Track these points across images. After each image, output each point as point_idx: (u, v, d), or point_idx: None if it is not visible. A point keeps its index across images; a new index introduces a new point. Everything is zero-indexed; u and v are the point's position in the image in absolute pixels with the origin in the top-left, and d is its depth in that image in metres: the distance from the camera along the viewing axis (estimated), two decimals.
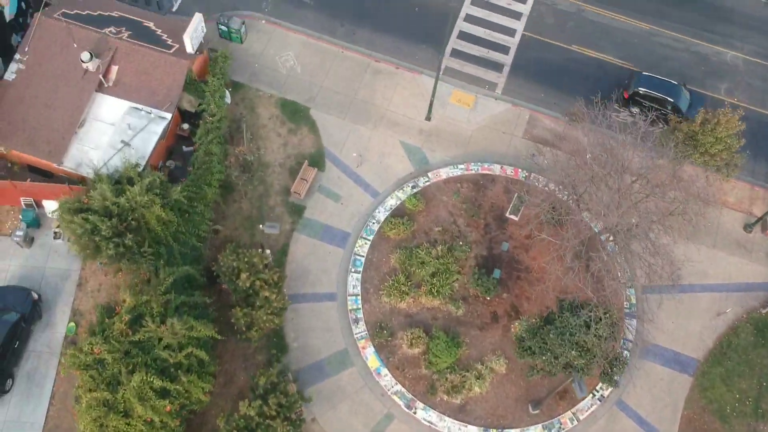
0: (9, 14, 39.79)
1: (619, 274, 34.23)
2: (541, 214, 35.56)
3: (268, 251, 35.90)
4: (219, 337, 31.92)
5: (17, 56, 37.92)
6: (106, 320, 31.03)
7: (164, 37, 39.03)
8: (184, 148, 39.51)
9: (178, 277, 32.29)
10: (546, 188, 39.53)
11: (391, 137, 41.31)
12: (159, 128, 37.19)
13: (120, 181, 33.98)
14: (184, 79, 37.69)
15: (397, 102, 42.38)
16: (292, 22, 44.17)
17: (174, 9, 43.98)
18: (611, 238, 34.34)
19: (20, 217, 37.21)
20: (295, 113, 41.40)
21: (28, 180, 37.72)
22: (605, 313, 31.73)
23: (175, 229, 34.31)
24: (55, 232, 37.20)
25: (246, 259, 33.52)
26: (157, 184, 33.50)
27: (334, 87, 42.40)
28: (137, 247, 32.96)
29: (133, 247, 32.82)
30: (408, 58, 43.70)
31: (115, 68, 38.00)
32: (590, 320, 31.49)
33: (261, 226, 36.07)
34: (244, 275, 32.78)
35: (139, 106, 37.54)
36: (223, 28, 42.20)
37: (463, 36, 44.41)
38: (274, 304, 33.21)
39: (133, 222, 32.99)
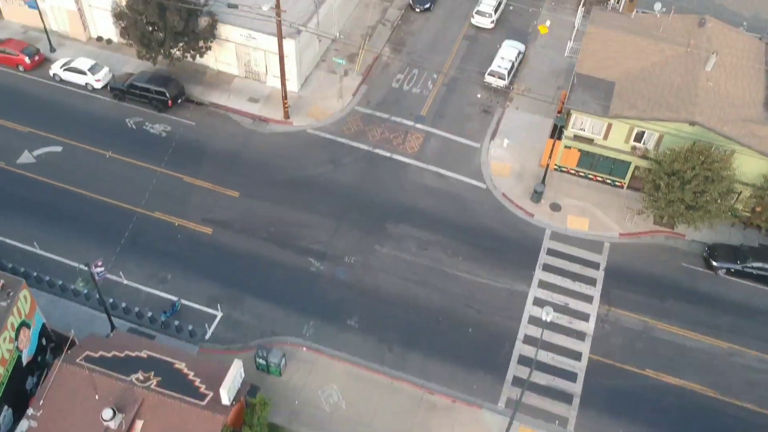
0: (27, 356, 35.98)
1: None
2: None
3: None
4: None
5: (30, 411, 33.46)
6: None
7: (197, 382, 34.72)
8: None
9: None
10: None
11: None
12: None
13: None
14: None
15: None
16: (336, 348, 40.19)
17: (207, 337, 40.38)
18: None
19: None
20: None
21: None
22: None
23: None
24: None
25: None
26: None
27: (383, 429, 37.28)
28: None
29: None
30: (465, 389, 39.02)
31: (140, 423, 33.24)
32: None
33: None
34: None
35: None
36: (262, 361, 38.15)
37: (524, 361, 40.06)
38: None
39: None
